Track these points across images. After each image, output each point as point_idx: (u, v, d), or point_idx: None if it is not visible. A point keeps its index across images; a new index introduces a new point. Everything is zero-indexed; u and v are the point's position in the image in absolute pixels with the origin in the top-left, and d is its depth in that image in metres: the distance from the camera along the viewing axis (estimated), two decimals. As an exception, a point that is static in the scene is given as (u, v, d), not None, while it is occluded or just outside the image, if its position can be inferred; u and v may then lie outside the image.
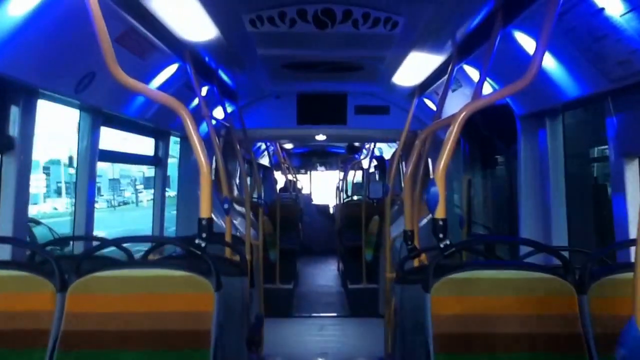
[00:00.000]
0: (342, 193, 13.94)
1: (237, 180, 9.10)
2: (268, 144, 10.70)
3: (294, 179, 14.50)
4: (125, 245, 3.44)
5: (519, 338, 2.67)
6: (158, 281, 2.80)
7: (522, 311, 2.70)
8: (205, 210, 3.02)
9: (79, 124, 4.07)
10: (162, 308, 2.74)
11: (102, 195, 31.61)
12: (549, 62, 3.44)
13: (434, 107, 5.94)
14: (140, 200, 33.69)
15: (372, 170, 13.30)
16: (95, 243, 3.36)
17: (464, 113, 2.98)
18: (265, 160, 12.72)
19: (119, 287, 2.78)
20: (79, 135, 4.09)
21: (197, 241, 3.05)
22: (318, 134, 8.03)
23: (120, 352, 2.68)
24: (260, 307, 6.37)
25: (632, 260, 3.15)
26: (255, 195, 7.59)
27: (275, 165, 12.91)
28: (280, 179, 15.06)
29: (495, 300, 2.72)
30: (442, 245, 2.92)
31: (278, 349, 6.90)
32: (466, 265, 2.96)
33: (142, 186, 34.19)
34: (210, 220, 3.06)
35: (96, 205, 4.12)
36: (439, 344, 2.65)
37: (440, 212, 2.94)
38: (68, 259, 2.90)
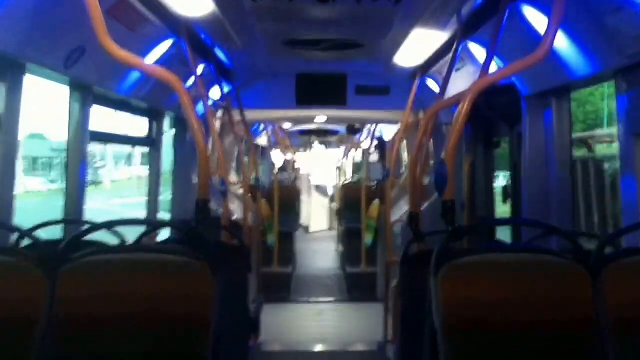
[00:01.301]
0: (342, 174, 13.88)
1: (234, 164, 8.99)
2: (266, 123, 10.58)
3: (293, 159, 14.39)
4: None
5: (530, 323, 2.57)
6: (152, 266, 2.67)
7: (533, 295, 2.60)
8: (202, 191, 2.91)
9: (69, 102, 3.92)
10: (157, 293, 2.61)
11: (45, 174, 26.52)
12: (558, 37, 3.30)
13: (436, 88, 5.81)
14: (99, 182, 28.21)
15: (372, 151, 13.20)
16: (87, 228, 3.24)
17: (474, 90, 2.85)
18: (263, 140, 12.61)
19: (110, 272, 2.64)
20: (69, 115, 3.94)
21: (193, 224, 2.95)
22: (317, 116, 7.90)
23: (113, 337, 2.57)
24: (259, 292, 6.29)
25: None
26: (253, 177, 7.46)
27: (274, 144, 12.79)
28: (278, 158, 14.95)
29: (505, 285, 2.61)
30: (451, 229, 2.81)
31: (276, 335, 6.84)
32: (475, 249, 2.85)
33: (103, 162, 28.92)
34: (207, 202, 2.95)
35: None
36: (447, 329, 2.55)
37: (449, 194, 2.82)
38: (57, 244, 2.76)
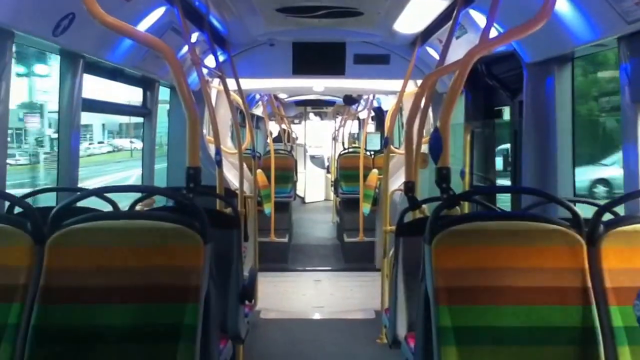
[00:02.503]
0: (337, 144, 13.81)
1: (231, 134, 8.92)
2: (262, 92, 10.47)
3: (289, 129, 14.31)
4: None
5: (525, 291, 2.55)
6: (143, 233, 2.62)
7: (528, 263, 2.57)
8: (192, 159, 2.86)
9: (60, 70, 3.84)
10: (147, 261, 2.57)
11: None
12: (560, 3, 3.22)
13: (436, 57, 5.71)
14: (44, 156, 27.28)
15: (370, 121, 13.12)
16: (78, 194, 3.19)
17: (471, 56, 2.77)
18: (258, 110, 12.51)
19: (101, 239, 2.60)
20: (60, 83, 3.87)
21: (184, 191, 2.90)
22: (315, 86, 7.80)
23: (103, 306, 2.53)
24: (255, 262, 6.28)
25: None
26: (249, 147, 7.40)
27: (269, 114, 12.70)
28: (274, 128, 14.85)
29: (500, 252, 2.58)
30: (445, 196, 2.77)
31: (273, 303, 6.86)
32: (469, 216, 2.81)
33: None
34: (198, 169, 2.90)
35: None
36: (440, 296, 2.53)
37: (443, 161, 2.77)
38: (47, 210, 2.71)
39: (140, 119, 5.45)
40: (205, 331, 2.58)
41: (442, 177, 2.96)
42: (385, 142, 6.29)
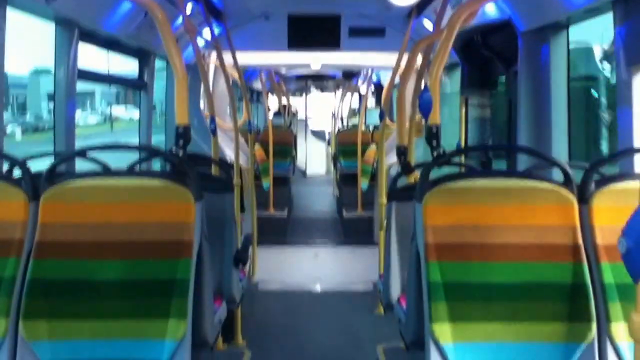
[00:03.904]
0: (337, 120, 13.78)
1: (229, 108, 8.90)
2: (258, 69, 10.43)
3: (288, 104, 14.27)
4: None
5: (515, 248, 2.57)
6: (135, 190, 2.67)
7: (520, 221, 2.59)
8: (181, 117, 2.88)
9: (55, 38, 3.83)
10: (140, 217, 2.62)
11: None
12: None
13: (432, 29, 5.70)
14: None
15: (369, 97, 13.09)
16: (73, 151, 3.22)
17: (459, 14, 2.77)
18: (258, 85, 12.46)
19: (94, 196, 2.65)
20: (55, 52, 3.86)
21: (174, 149, 2.92)
22: (310, 60, 7.76)
23: (97, 261, 2.59)
24: (253, 233, 6.31)
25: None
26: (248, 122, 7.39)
27: (269, 89, 12.66)
28: (273, 103, 14.81)
29: (491, 210, 2.60)
30: (435, 154, 2.79)
31: (271, 276, 6.90)
32: (460, 174, 2.82)
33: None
34: (187, 128, 2.92)
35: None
36: (430, 252, 2.55)
37: (433, 119, 2.79)
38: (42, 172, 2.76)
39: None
40: (199, 287, 2.62)
41: (432, 135, 2.98)
42: (381, 116, 6.29)
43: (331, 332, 5.19)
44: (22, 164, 2.69)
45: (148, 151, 3.78)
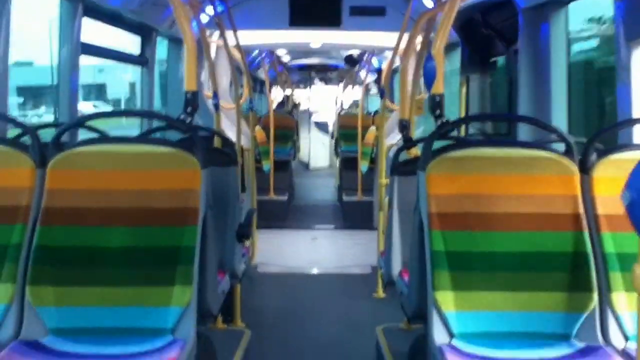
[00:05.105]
0: (339, 107, 13.77)
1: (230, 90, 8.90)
2: (264, 54, 10.42)
3: (292, 95, 14.25)
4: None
5: (517, 217, 2.58)
6: (141, 157, 2.68)
7: (521, 190, 2.60)
8: (190, 83, 2.88)
9: (59, 12, 3.86)
10: (146, 184, 2.63)
11: None
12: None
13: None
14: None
15: (371, 86, 13.07)
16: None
17: None
18: (261, 74, 12.43)
19: (100, 163, 2.66)
20: (59, 26, 3.89)
21: (182, 116, 2.94)
22: (311, 39, 7.75)
23: (103, 228, 2.60)
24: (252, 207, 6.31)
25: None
26: (248, 102, 7.40)
27: (273, 79, 12.62)
28: (278, 94, 14.77)
29: (493, 179, 2.61)
30: (438, 123, 2.81)
31: (270, 258, 6.92)
32: (463, 142, 2.84)
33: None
34: (195, 93, 2.93)
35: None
36: (433, 221, 2.56)
37: (437, 88, 2.81)
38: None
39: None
40: (203, 255, 2.63)
41: (436, 104, 2.99)
42: (381, 94, 6.29)
43: (330, 314, 5.19)
44: (33, 131, 2.70)
45: (156, 118, 3.79)
